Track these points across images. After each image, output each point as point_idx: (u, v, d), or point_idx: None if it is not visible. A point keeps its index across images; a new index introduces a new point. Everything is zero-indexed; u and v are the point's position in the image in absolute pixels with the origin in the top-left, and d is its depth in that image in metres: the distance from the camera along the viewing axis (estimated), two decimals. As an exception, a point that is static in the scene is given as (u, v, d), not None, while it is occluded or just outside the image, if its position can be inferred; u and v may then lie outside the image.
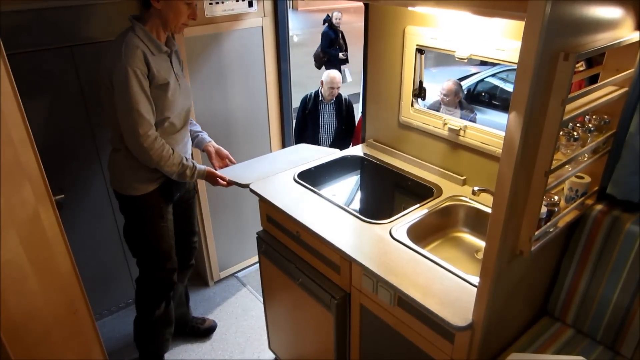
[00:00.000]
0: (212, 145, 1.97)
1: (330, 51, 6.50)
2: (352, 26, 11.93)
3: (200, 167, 1.80)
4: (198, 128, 2.02)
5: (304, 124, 3.72)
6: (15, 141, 1.22)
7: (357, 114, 3.81)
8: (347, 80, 5.39)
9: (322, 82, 3.55)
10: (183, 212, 2.00)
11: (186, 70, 1.95)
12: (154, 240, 1.85)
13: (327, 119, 3.68)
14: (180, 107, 1.74)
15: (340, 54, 6.45)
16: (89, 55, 2.00)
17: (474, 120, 1.75)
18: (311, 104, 3.63)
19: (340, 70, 6.41)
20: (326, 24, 6.54)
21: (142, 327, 2.07)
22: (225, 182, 1.83)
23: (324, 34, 6.54)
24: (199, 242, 2.25)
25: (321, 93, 3.61)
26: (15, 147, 1.22)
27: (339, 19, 6.42)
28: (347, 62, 6.72)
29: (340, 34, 6.52)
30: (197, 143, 1.99)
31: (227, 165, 1.99)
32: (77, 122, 2.08)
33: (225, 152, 2.00)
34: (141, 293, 1.99)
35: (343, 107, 3.71)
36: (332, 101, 3.64)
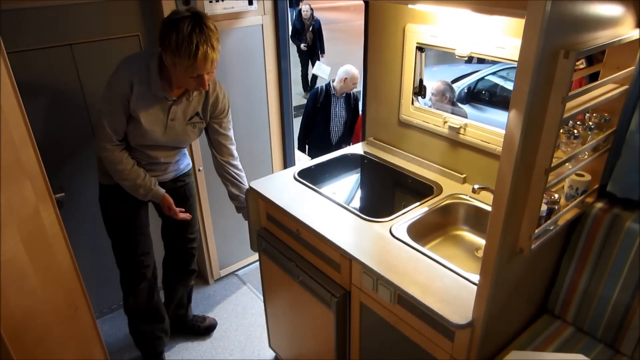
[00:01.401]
0: None
1: (294, 41, 6.80)
2: (352, 24, 11.94)
3: (159, 190, 1.80)
4: (236, 188, 1.94)
5: (313, 118, 3.76)
6: (15, 139, 1.22)
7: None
8: (322, 76, 5.51)
9: (344, 80, 3.58)
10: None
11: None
12: (112, 229, 1.91)
13: (339, 112, 3.74)
14: (150, 143, 1.72)
15: (302, 45, 6.78)
16: (89, 53, 2.00)
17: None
18: (323, 98, 3.68)
19: (312, 62, 6.80)
20: (295, 16, 6.93)
21: (128, 318, 2.10)
22: (177, 216, 1.86)
23: (292, 25, 6.89)
24: (199, 241, 2.24)
25: (333, 87, 3.64)
26: (16, 146, 1.22)
27: (307, 12, 6.66)
28: (319, 54, 6.99)
29: (311, 27, 6.77)
30: (243, 215, 1.96)
31: None
32: (77, 121, 2.08)
33: None
34: (120, 277, 2.03)
35: (351, 101, 3.77)
36: (343, 95, 3.69)
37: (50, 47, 1.91)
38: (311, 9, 6.72)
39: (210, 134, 1.87)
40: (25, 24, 1.82)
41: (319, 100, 3.69)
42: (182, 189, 1.99)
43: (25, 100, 1.22)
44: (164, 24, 1.48)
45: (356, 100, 3.82)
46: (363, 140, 2.17)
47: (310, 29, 6.76)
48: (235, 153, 1.93)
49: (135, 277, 1.99)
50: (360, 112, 3.89)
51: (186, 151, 2.00)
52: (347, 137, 3.92)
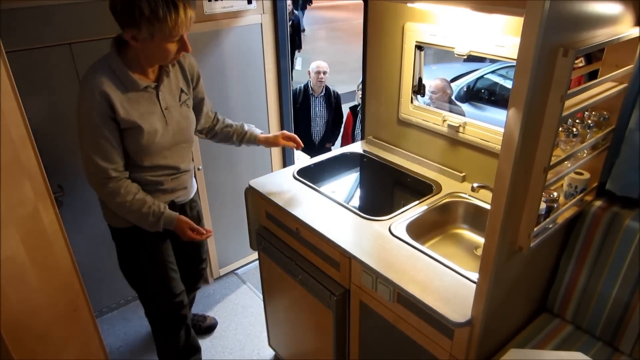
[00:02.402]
0: (270, 135, 1.80)
1: None
2: (351, 23, 11.94)
3: (171, 213, 1.55)
4: (231, 122, 1.81)
5: (294, 119, 3.77)
6: (14, 139, 1.22)
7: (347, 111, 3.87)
8: (296, 68, 5.60)
9: (308, 72, 3.63)
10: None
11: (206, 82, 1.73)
12: (139, 278, 1.71)
13: (319, 112, 3.75)
14: (159, 149, 1.51)
15: None
16: (87, 52, 1.99)
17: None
18: (302, 98, 3.70)
19: (291, 57, 6.89)
20: None
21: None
22: (201, 235, 1.60)
23: None
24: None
25: (311, 87, 3.66)
26: (15, 145, 1.22)
27: (288, 7, 6.76)
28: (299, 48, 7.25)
29: (291, 22, 6.92)
30: (248, 140, 1.80)
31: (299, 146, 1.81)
32: (76, 119, 2.08)
33: (288, 133, 1.81)
34: (152, 328, 1.85)
35: (332, 99, 3.77)
36: (322, 94, 3.70)
37: (49, 47, 1.90)
38: (292, 4, 6.82)
39: (202, 111, 1.73)
40: (24, 23, 1.82)
41: (298, 101, 3.70)
42: (194, 212, 1.82)
43: (24, 99, 1.23)
44: (124, 0, 1.30)
45: (337, 98, 3.82)
46: (362, 138, 2.17)
47: (290, 23, 6.85)
48: (212, 108, 1.81)
49: (176, 323, 1.80)
50: (343, 110, 3.90)
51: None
52: (331, 136, 3.91)
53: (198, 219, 1.85)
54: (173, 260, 1.75)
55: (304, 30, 11.51)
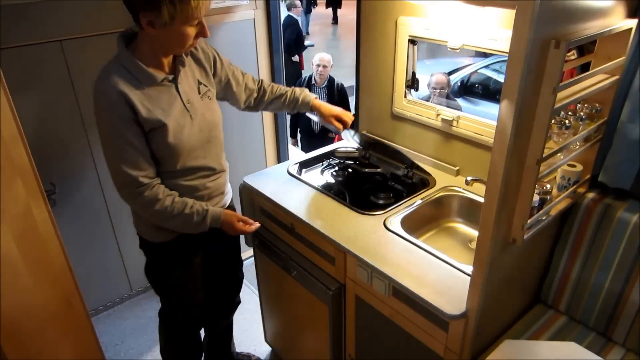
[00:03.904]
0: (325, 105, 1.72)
1: None
2: (347, 19, 11.91)
3: (216, 209, 1.45)
4: (281, 91, 1.71)
5: None
6: (5, 137, 1.21)
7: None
8: None
9: (311, 64, 3.68)
10: (228, 248, 1.70)
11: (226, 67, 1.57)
12: (171, 288, 1.64)
13: None
14: (189, 148, 1.39)
15: None
16: (78, 49, 1.98)
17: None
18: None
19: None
20: None
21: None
22: (251, 226, 1.51)
23: None
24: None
25: (314, 77, 3.69)
26: (6, 143, 1.21)
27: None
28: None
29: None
30: (301, 108, 1.72)
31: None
32: (68, 117, 2.07)
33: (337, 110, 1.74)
34: (161, 327, 1.80)
35: (335, 92, 3.79)
36: (325, 85, 3.71)
37: (39, 44, 1.89)
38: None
39: (234, 91, 1.61)
40: (15, 20, 1.80)
41: None
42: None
43: (14, 97, 1.22)
44: None
45: (341, 90, 3.85)
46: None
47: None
48: (253, 80, 1.69)
49: (188, 334, 1.77)
50: (349, 103, 3.93)
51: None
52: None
53: None
54: (200, 275, 1.67)
55: (307, 34, 11.34)
